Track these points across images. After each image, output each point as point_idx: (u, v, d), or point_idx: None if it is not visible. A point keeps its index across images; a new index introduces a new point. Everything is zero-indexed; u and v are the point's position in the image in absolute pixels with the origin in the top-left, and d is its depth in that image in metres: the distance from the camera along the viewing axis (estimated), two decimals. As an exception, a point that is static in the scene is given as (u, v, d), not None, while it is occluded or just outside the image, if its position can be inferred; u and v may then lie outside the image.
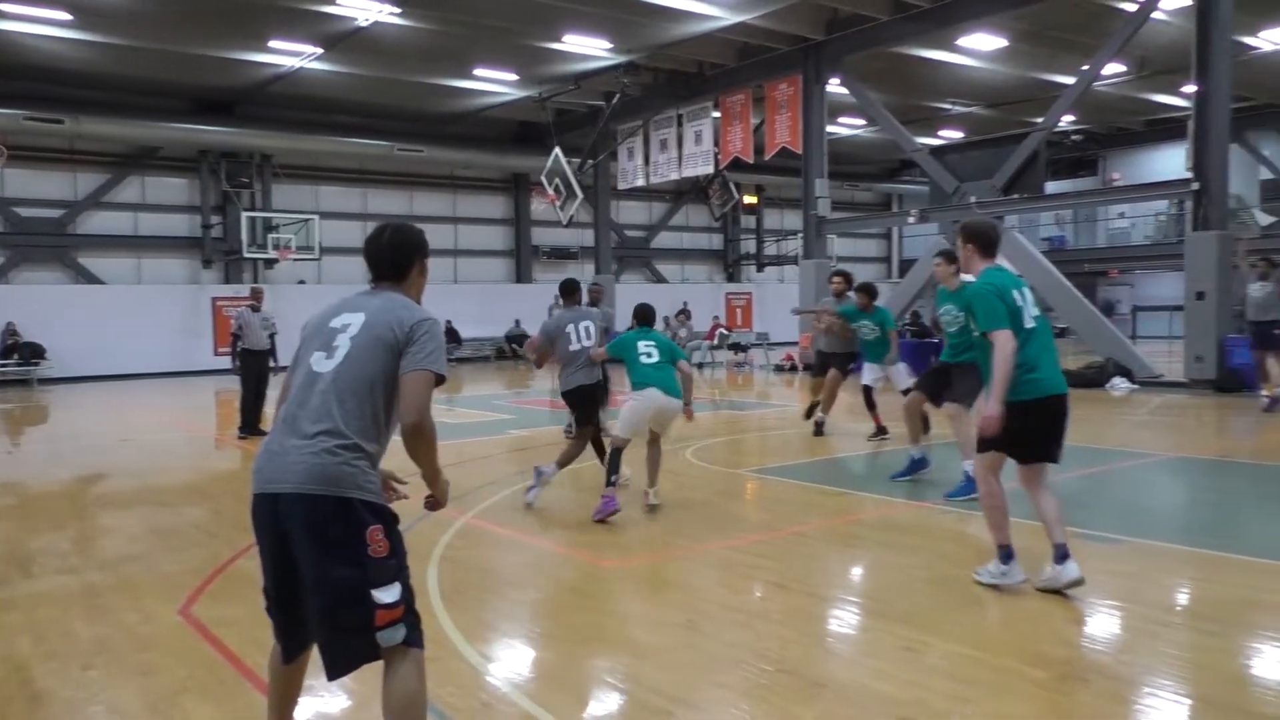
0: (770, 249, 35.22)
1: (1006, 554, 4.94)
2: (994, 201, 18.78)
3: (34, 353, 21.63)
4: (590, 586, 5.31)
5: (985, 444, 4.82)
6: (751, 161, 22.39)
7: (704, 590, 5.20)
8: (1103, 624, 4.66)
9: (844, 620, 4.78)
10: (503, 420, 13.45)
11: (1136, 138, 30.83)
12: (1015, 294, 4.83)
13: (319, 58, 20.23)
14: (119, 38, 18.52)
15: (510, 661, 4.26)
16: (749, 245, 35.51)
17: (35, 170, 22.59)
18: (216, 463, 10.85)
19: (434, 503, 3.10)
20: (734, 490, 8.30)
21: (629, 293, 30.44)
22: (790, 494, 7.90)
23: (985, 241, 5.01)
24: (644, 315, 7.47)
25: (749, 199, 32.66)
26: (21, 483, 9.38)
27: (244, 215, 24.22)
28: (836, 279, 10.87)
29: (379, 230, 3.15)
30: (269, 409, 12.13)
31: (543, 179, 24.61)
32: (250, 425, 11.69)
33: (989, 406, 4.73)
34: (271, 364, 11.74)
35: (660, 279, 33.37)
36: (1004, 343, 4.67)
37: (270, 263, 24.93)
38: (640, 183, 24.98)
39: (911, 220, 21.86)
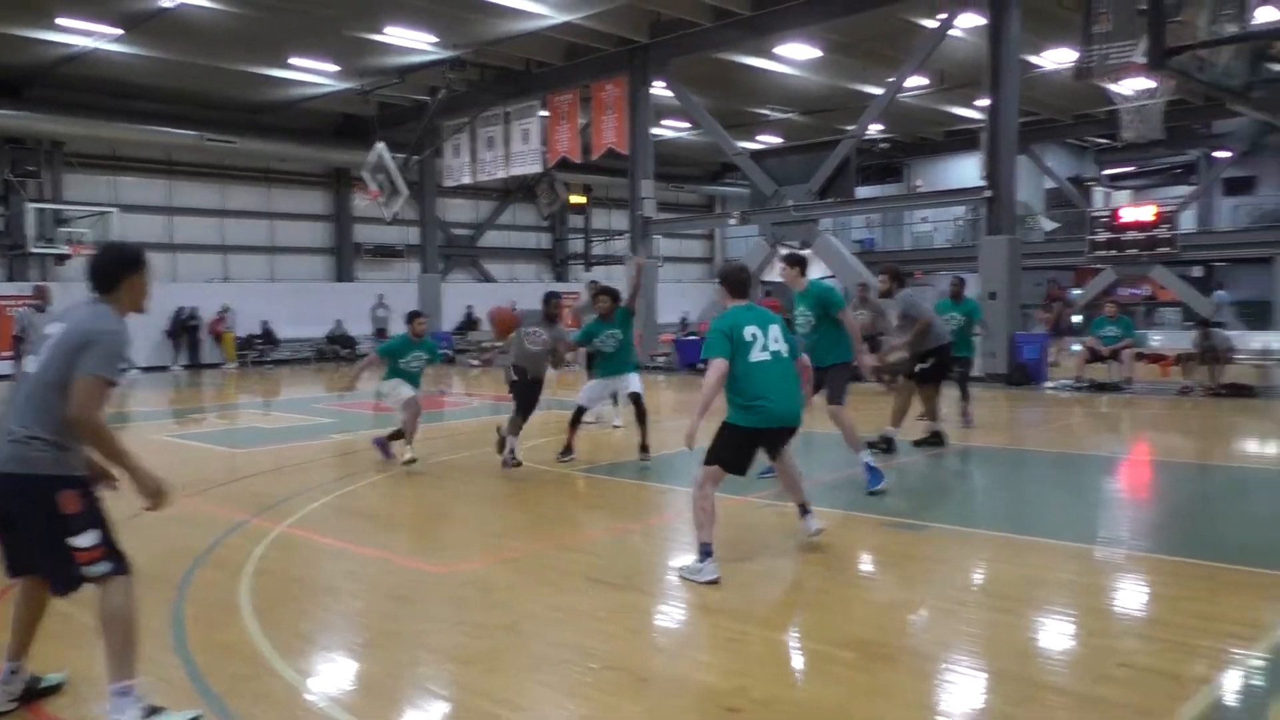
0: (598, 248, 35.49)
1: (706, 552, 5.28)
2: (809, 204, 19.62)
3: None
4: (413, 593, 5.20)
5: (713, 459, 5.42)
6: (579, 161, 22.50)
7: (528, 591, 5.19)
8: (907, 606, 4.95)
9: (668, 615, 4.88)
10: (323, 424, 12.96)
11: (937, 147, 32.85)
12: (746, 330, 5.40)
13: (118, 39, 18.85)
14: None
15: (330, 676, 4.12)
16: (577, 244, 35.65)
17: None
18: None
19: (149, 503, 3.44)
20: (563, 490, 8.31)
21: (457, 292, 30.02)
22: (620, 492, 7.99)
23: (734, 283, 5.70)
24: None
25: (576, 198, 32.80)
26: None
27: (30, 207, 22.28)
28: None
29: (100, 248, 3.72)
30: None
31: (365, 174, 23.86)
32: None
33: (690, 424, 5.27)
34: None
35: (488, 278, 33.01)
36: (712, 370, 5.33)
37: (61, 259, 23.01)
38: (467, 180, 24.64)
39: (733, 222, 22.56)
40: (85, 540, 3.32)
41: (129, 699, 3.33)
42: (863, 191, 26.94)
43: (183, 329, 24.41)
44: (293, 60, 20.95)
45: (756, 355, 5.36)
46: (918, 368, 9.46)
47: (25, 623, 3.66)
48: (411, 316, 9.38)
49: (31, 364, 3.44)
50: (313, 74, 22.19)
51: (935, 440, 9.61)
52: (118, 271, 3.54)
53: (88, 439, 3.32)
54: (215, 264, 26.83)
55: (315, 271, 28.94)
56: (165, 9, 17.18)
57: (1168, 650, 4.15)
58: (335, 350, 27.13)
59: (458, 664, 4.14)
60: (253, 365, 25.20)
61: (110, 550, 3.40)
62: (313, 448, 10.59)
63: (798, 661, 4.21)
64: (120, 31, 18.34)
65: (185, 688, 3.85)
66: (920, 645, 4.34)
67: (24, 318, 10.83)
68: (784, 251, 8.21)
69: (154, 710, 3.41)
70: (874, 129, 27.58)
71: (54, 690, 3.80)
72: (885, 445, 9.04)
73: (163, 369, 23.81)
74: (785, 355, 5.48)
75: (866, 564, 5.83)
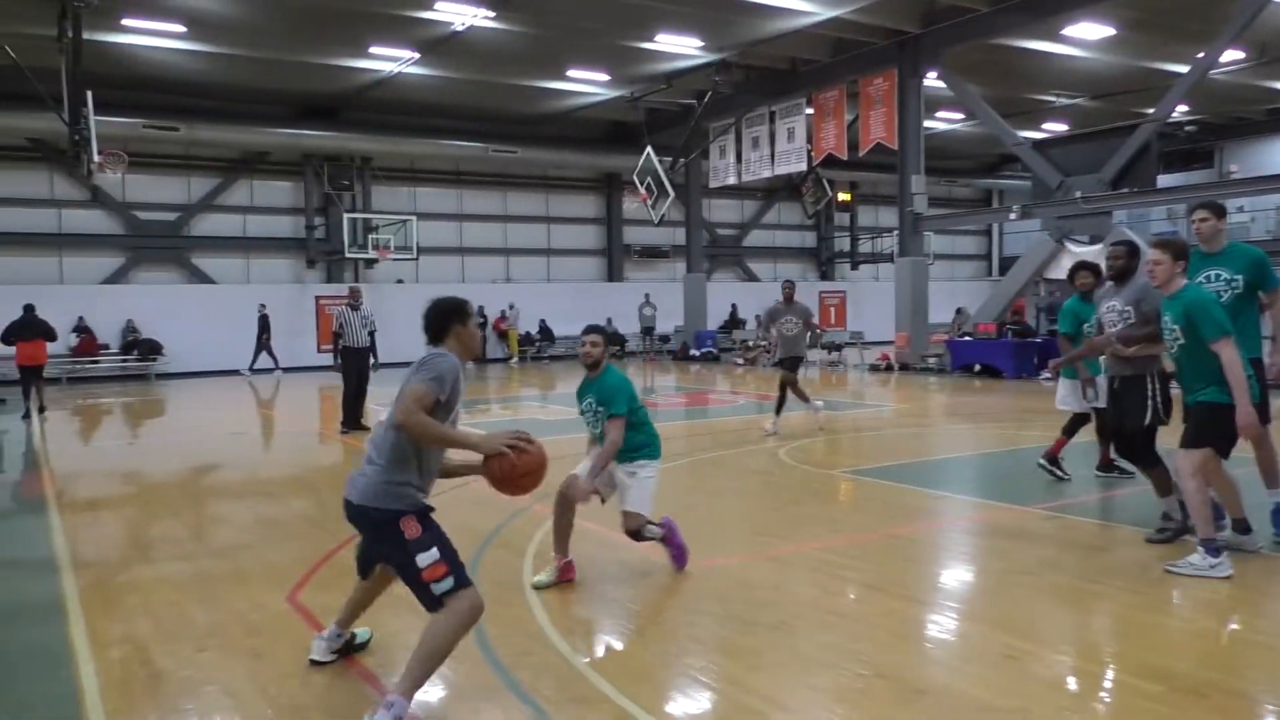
0: (865, 247, 34.65)
1: (1211, 548, 5.11)
2: (1101, 196, 18.10)
3: (151, 349, 22.74)
4: (683, 585, 5.30)
5: (1206, 442, 5.18)
6: (845, 158, 22.06)
7: (797, 592, 5.15)
8: (1225, 638, 4.44)
9: (941, 625, 4.66)
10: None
11: (1256, 128, 29.39)
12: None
13: (416, 62, 20.72)
14: (229, 48, 19.34)
15: (604, 657, 4.29)
16: (843, 243, 35.01)
17: (153, 175, 23.67)
18: (320, 457, 11.21)
19: (501, 463, 3.68)
20: (828, 491, 8.19)
21: (721, 290, 30.42)
22: (886, 495, 7.75)
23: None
24: None
25: (843, 196, 32.19)
26: (141, 472, 9.87)
27: (345, 216, 24.99)
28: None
29: (429, 303, 3.87)
30: (369, 404, 12.49)
31: (634, 178, 24.73)
32: (351, 420, 12.03)
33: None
34: (371, 361, 12.06)
35: (752, 277, 33.16)
36: (1234, 349, 5.06)
37: (370, 262, 25.68)
38: (732, 181, 24.87)
39: (1013, 216, 21.22)
40: (428, 559, 3.53)
41: (391, 713, 3.38)
42: (1164, 180, 24.49)
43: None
44: (569, 72, 22.07)
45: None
46: None
47: (359, 604, 4.15)
48: None
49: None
50: (587, 84, 23.27)
51: None
52: (445, 323, 3.78)
53: (415, 438, 3.54)
54: (499, 265, 28.82)
55: (588, 272, 30.35)
56: (457, 32, 18.66)
57: None
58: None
59: (725, 657, 4.18)
60: (532, 360, 26.82)
61: (453, 567, 3.57)
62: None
63: (1088, 688, 3.89)
64: (418, 55, 20.15)
65: (475, 657, 4.15)
66: (1236, 682, 3.87)
67: (341, 315, 12.07)
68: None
69: None
70: (1179, 111, 25.00)
71: (364, 646, 4.26)
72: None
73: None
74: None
75: (1177, 589, 5.09)
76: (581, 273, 30.23)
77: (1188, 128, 29.91)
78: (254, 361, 23.34)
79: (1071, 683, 3.91)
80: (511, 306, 27.11)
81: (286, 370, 23.48)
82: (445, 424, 3.61)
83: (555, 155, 27.81)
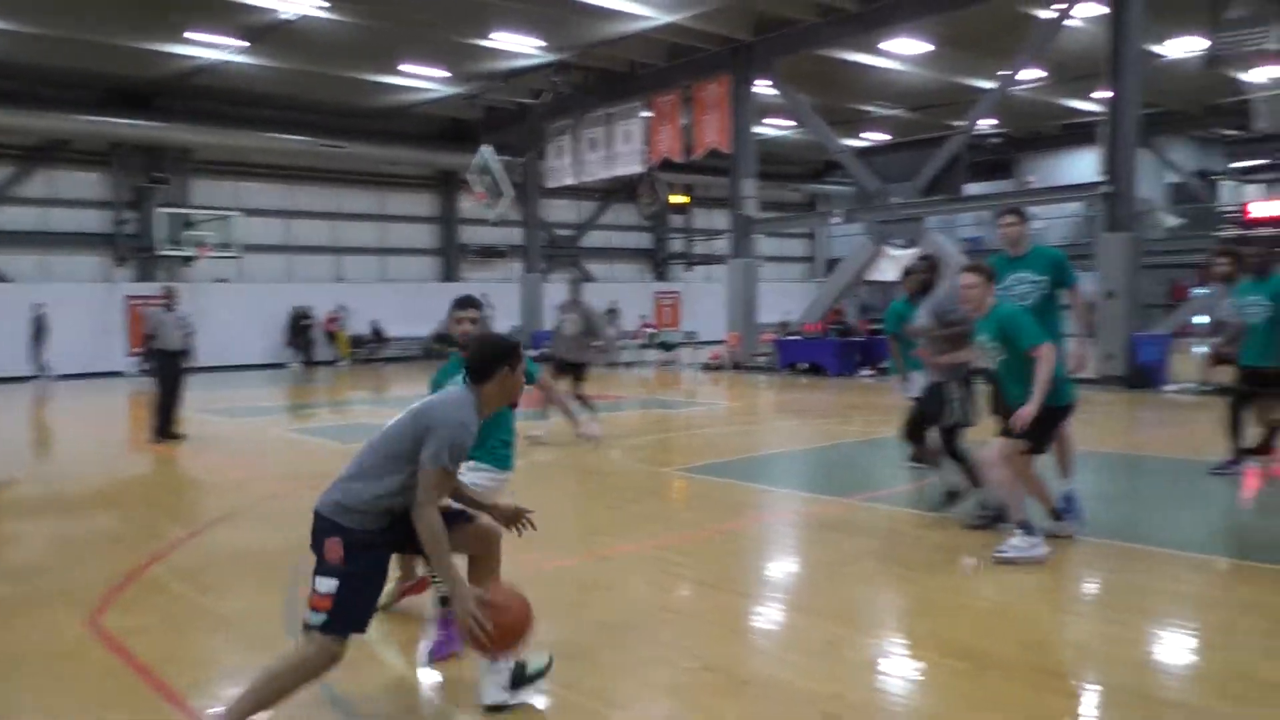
0: (699, 248, 35.43)
1: (1026, 528, 5.47)
2: (916, 202, 19.18)
3: (-66, 353, 20.65)
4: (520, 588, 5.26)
5: (1029, 438, 5.46)
6: (680, 161, 22.50)
7: (631, 590, 5.20)
8: (1021, 614, 4.78)
9: (768, 617, 4.82)
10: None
11: (1052, 141, 31.74)
12: None
13: (242, 51, 19.73)
14: (27, 25, 17.80)
15: (435, 668, 4.20)
16: (678, 244, 35.68)
17: (-65, 162, 21.58)
18: (128, 468, 10.49)
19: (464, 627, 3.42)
20: (662, 489, 8.32)
21: (559, 291, 30.36)
22: (718, 492, 7.95)
23: None
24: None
25: (678, 198, 32.80)
26: (-80, 490, 8.96)
27: (160, 211, 23.48)
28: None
29: (479, 340, 3.74)
30: (184, 412, 11.80)
31: (471, 177, 24.39)
32: (164, 429, 11.31)
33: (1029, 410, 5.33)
34: (187, 366, 11.40)
35: (589, 278, 33.31)
36: (1049, 354, 5.36)
37: (188, 260, 24.23)
38: (569, 181, 24.91)
39: (837, 221, 22.24)
40: (323, 586, 3.30)
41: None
42: (972, 188, 26.16)
43: (299, 327, 25.36)
44: (403, 67, 21.55)
45: None
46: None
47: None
48: None
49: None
50: (422, 80, 22.77)
51: None
52: (495, 366, 3.52)
53: (418, 525, 3.29)
54: (329, 265, 27.80)
55: (423, 272, 29.70)
56: (286, 21, 17.89)
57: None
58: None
59: (560, 660, 4.17)
60: (364, 363, 26.03)
61: (338, 609, 3.30)
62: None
63: (900, 668, 4.11)
64: (245, 44, 19.19)
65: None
66: (1032, 656, 4.18)
67: (154, 317, 11.32)
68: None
69: None
70: (985, 124, 26.79)
71: (541, 674, 3.80)
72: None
73: (280, 366, 24.79)
74: None
75: (990, 573, 5.45)
76: (417, 272, 29.56)
77: (992, 140, 32.04)
78: (42, 363, 21.53)
79: (886, 665, 4.12)
80: (342, 307, 26.20)
81: (69, 377, 21.88)
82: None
83: (390, 151, 27.06)
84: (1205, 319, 21.85)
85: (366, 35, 18.86)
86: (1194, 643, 4.37)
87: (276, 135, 24.69)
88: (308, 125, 25.02)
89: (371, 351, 26.66)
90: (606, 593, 5.16)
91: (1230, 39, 12.15)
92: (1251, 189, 29.02)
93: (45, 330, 20.94)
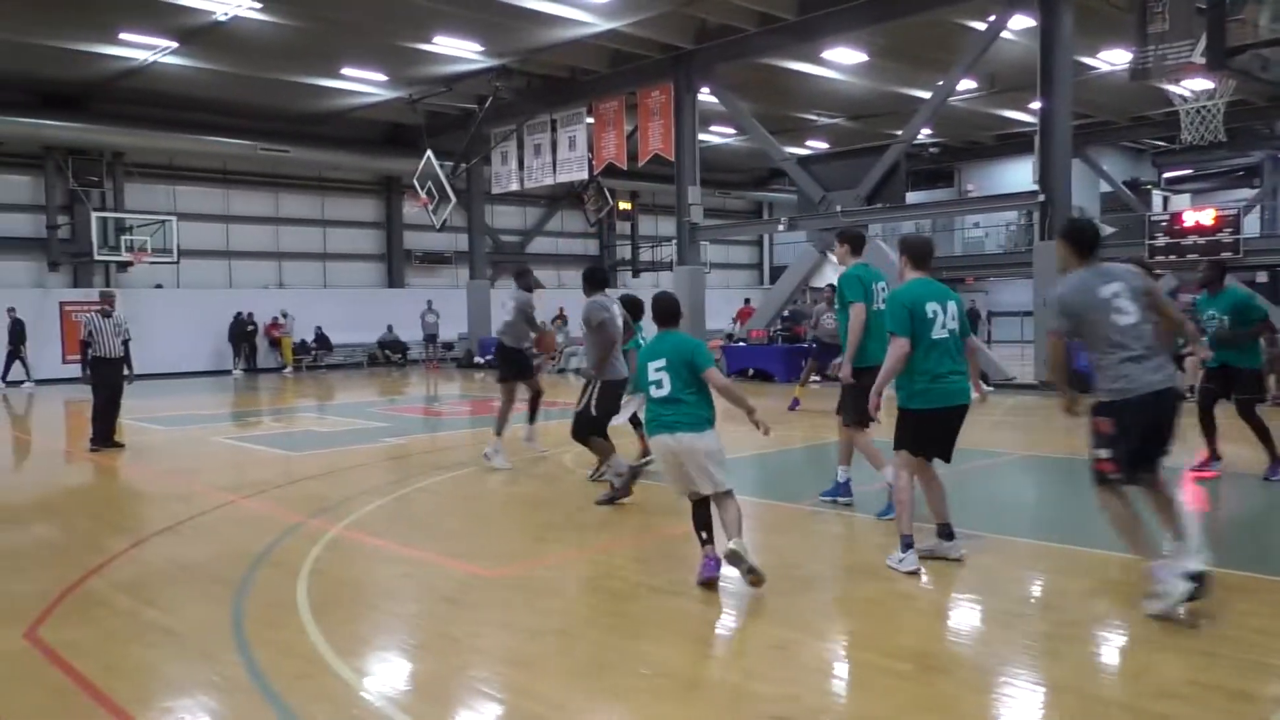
0: (645, 255, 35.56)
1: (907, 543, 5.37)
2: (858, 210, 19.48)
3: None
4: (464, 596, 5.26)
5: (901, 445, 5.41)
6: (625, 168, 22.58)
7: (580, 596, 5.23)
8: (962, 616, 4.90)
9: (718, 621, 4.88)
10: (377, 428, 13.15)
11: (989, 151, 32.44)
12: (929, 305, 5.30)
13: (174, 52, 19.34)
14: (-49, 25, 17.30)
15: (384, 676, 4.18)
16: (625, 251, 35.76)
17: None
18: (66, 477, 10.23)
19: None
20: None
21: (505, 297, 30.18)
22: (665, 498, 7.97)
23: (917, 254, 5.52)
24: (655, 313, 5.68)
25: (623, 205, 32.90)
26: None
27: (94, 216, 22.93)
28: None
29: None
30: (123, 419, 11.54)
31: (415, 182, 24.20)
32: (103, 436, 11.04)
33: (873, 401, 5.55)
34: (126, 372, 11.15)
35: (537, 284, 33.18)
36: (895, 349, 5.30)
37: (124, 265, 23.68)
38: (514, 187, 24.85)
39: (781, 228, 22.44)
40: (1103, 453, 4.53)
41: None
42: (913, 197, 26.69)
43: (241, 334, 24.91)
44: (344, 71, 21.32)
45: (937, 333, 5.20)
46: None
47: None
48: None
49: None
50: (363, 84, 22.56)
51: None
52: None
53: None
54: (270, 270, 27.37)
55: (367, 278, 29.38)
56: (219, 22, 17.59)
57: (1237, 668, 4.03)
58: (386, 355, 27.52)
59: (509, 667, 4.19)
60: (308, 370, 25.65)
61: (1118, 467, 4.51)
62: (366, 451, 10.75)
63: (849, 672, 4.19)
64: (176, 44, 18.82)
65: (245, 685, 3.95)
66: (977, 657, 4.29)
67: (90, 323, 11.04)
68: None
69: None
70: (924, 134, 27.30)
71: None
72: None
73: (224, 373, 24.32)
74: (959, 335, 5.36)
75: (928, 575, 5.50)
76: (360, 278, 29.22)
77: (931, 149, 32.66)
78: (5, 372, 20.97)
79: (832, 668, 4.20)
80: (285, 314, 25.81)
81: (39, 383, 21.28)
82: None
83: (331, 156, 26.74)
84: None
85: (302, 37, 18.63)
86: (1138, 644, 4.52)
87: (214, 139, 24.27)
88: (246, 129, 24.64)
89: (316, 359, 26.29)
90: (553, 599, 5.18)
91: (1154, 52, 12.56)
92: (1181, 198, 29.96)
93: (22, 336, 21.09)
